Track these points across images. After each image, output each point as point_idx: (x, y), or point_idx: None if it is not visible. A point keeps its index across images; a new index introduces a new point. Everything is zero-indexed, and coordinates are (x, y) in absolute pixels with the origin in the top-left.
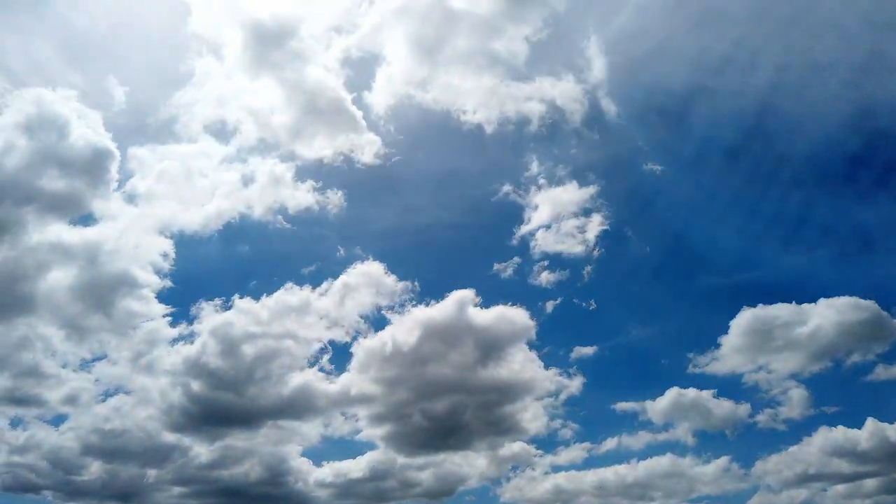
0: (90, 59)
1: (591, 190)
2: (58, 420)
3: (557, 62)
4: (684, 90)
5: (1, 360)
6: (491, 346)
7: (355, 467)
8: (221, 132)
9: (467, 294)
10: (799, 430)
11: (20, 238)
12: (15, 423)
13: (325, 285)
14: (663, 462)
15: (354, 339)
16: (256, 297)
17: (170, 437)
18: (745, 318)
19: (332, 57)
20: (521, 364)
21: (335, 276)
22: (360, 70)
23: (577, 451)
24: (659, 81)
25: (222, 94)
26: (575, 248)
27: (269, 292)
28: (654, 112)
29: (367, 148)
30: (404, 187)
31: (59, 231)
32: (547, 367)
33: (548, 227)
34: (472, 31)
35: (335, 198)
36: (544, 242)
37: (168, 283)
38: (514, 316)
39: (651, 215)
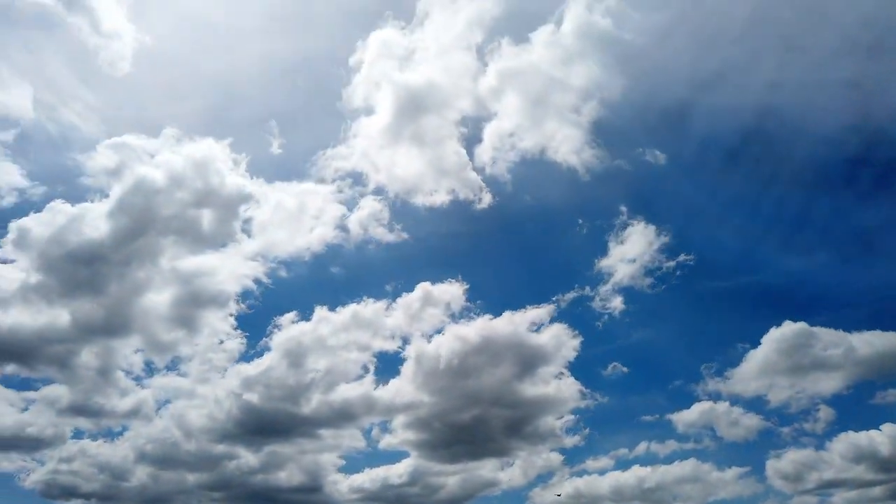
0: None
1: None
2: (118, 431)
3: None
4: None
5: (80, 374)
6: (532, 362)
7: (388, 474)
8: (347, 176)
9: (528, 313)
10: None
11: (149, 265)
12: (77, 434)
13: (400, 300)
14: (685, 467)
15: (403, 349)
16: (333, 308)
17: (219, 447)
18: (776, 336)
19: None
20: (558, 379)
21: (410, 291)
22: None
23: (603, 461)
24: None
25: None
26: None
27: (345, 305)
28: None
29: (472, 189)
30: (505, 224)
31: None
32: (582, 382)
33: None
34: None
35: (427, 228)
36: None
37: (254, 301)
38: (561, 335)
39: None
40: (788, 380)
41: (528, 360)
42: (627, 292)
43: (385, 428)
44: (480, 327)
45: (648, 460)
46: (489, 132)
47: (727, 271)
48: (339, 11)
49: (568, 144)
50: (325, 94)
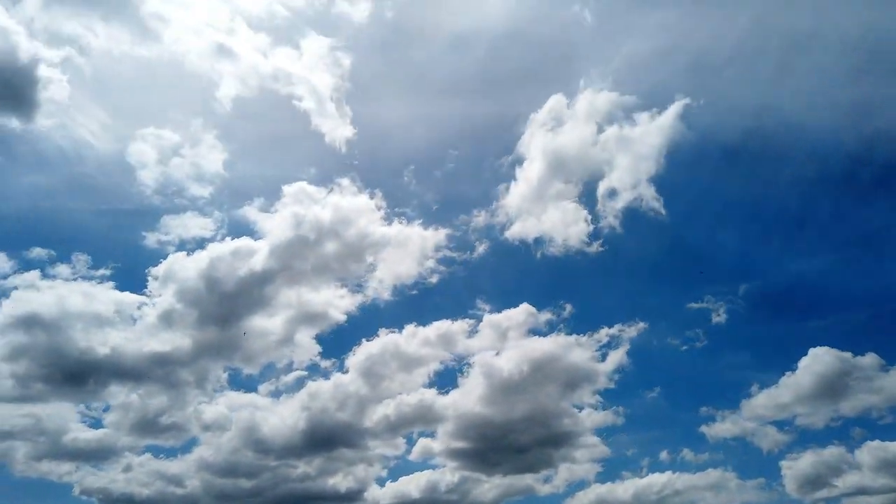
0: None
1: None
2: (184, 445)
3: None
4: None
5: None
6: (575, 377)
7: (428, 482)
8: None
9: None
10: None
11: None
12: (149, 449)
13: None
14: (707, 477)
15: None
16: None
17: (271, 459)
18: (811, 360)
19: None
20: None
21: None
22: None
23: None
24: None
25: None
26: None
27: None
28: None
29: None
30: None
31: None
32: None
33: None
34: None
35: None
36: None
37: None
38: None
39: None
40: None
41: (574, 378)
42: None
43: (429, 436)
44: (534, 348)
45: (675, 468)
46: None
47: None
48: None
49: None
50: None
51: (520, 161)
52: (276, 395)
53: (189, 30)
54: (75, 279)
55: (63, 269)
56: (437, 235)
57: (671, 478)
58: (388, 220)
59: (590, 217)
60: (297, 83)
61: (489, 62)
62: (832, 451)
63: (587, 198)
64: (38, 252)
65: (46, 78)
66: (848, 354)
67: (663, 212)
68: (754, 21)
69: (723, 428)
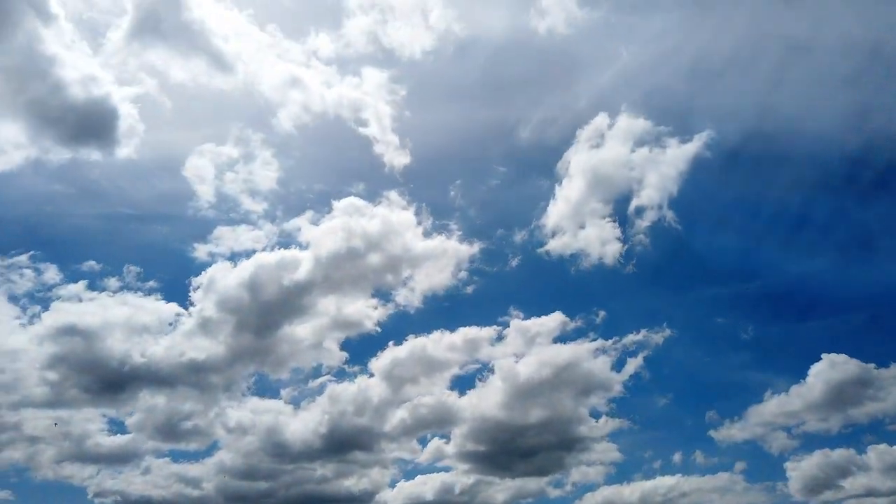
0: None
1: None
2: (204, 450)
3: None
4: None
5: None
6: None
7: (439, 484)
8: None
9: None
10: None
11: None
12: (166, 454)
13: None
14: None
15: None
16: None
17: (288, 462)
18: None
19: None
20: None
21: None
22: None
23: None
24: None
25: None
26: None
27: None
28: None
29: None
30: None
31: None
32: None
33: None
34: None
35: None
36: None
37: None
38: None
39: None
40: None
41: (590, 384)
42: None
43: (443, 438)
44: (555, 354)
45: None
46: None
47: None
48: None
49: None
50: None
51: (559, 179)
52: (298, 400)
53: (261, 62)
54: (121, 291)
55: (112, 281)
56: (472, 249)
57: (679, 480)
58: (428, 234)
59: (622, 234)
60: (355, 108)
61: (535, 83)
62: (840, 454)
63: (619, 215)
64: (89, 265)
65: (126, 112)
66: (870, 365)
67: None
68: (752, 27)
69: (731, 432)
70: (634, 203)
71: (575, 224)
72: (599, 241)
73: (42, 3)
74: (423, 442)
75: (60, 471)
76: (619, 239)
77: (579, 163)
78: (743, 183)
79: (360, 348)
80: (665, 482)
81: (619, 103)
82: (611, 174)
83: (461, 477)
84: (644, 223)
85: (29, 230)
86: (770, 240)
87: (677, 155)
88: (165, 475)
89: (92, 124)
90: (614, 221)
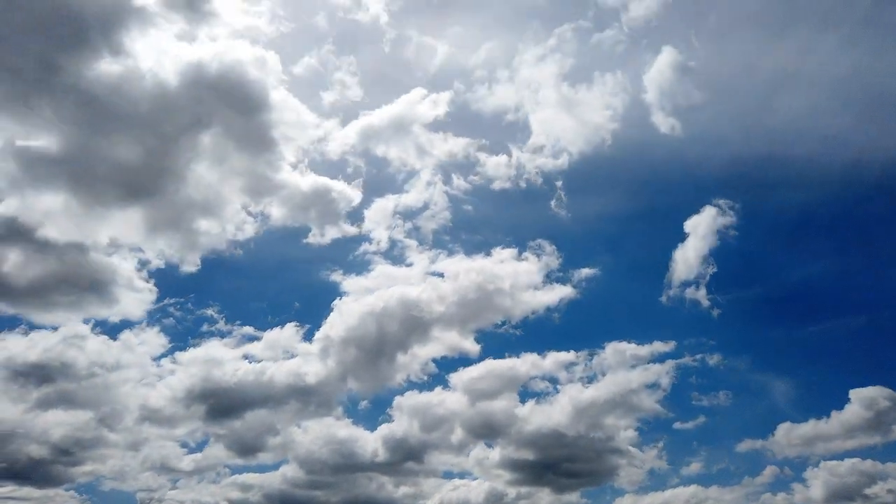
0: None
1: None
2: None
3: None
4: None
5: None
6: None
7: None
8: None
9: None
10: None
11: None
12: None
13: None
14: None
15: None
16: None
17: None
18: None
19: None
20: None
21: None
22: None
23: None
24: None
25: None
26: None
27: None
28: None
29: None
30: None
31: None
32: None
33: None
34: None
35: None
36: None
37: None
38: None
39: None
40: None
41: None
42: None
43: (490, 447)
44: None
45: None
46: None
47: None
48: None
49: None
50: None
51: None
52: (375, 415)
53: None
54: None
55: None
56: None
57: (697, 490)
58: (547, 281)
59: None
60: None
61: None
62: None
63: None
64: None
65: None
66: None
67: None
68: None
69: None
70: None
71: None
72: None
73: None
74: (471, 450)
75: (135, 483)
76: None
77: None
78: None
79: (450, 366)
80: (685, 492)
81: None
82: None
83: (500, 486)
84: None
85: None
86: None
87: None
88: (223, 485)
89: None
90: None
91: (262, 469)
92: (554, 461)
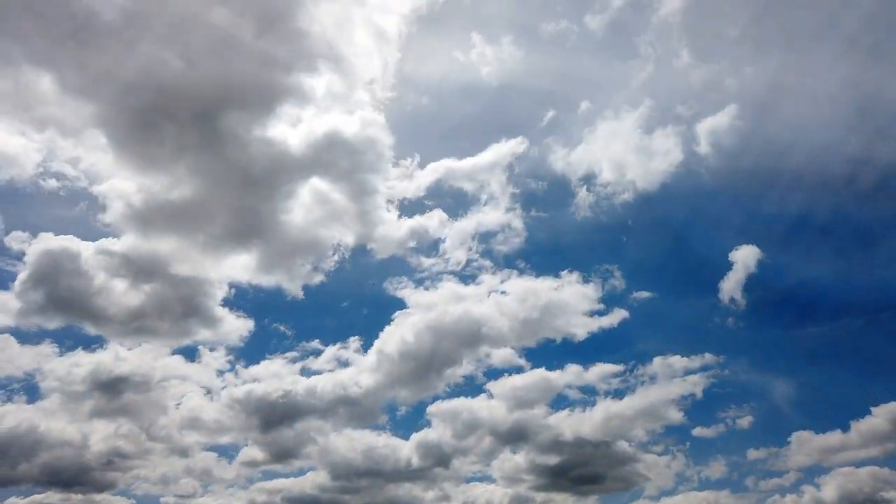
0: None
1: None
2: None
3: None
4: None
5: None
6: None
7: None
8: None
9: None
10: None
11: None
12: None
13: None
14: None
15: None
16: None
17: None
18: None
19: None
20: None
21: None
22: None
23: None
24: None
25: None
26: None
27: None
28: None
29: None
30: None
31: None
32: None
33: None
34: None
35: None
36: None
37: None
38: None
39: None
40: None
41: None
42: None
43: (514, 452)
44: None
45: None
46: None
47: None
48: None
49: None
50: None
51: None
52: (412, 424)
53: None
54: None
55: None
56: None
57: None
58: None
59: None
60: None
61: None
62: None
63: None
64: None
65: None
66: None
67: None
68: None
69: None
70: None
71: None
72: None
73: None
74: (496, 456)
75: (165, 488)
76: None
77: None
78: None
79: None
80: (699, 497)
81: None
82: None
83: (523, 491)
84: None
85: None
86: None
87: None
88: (253, 490)
89: None
90: None
91: (291, 474)
92: (574, 466)
